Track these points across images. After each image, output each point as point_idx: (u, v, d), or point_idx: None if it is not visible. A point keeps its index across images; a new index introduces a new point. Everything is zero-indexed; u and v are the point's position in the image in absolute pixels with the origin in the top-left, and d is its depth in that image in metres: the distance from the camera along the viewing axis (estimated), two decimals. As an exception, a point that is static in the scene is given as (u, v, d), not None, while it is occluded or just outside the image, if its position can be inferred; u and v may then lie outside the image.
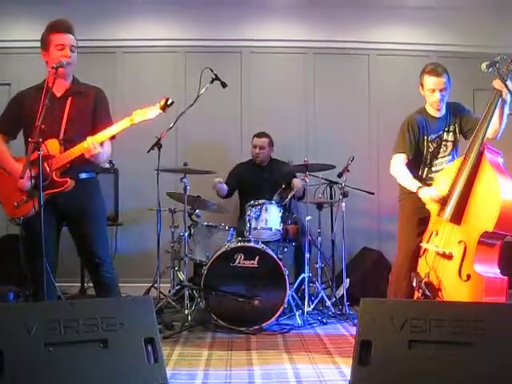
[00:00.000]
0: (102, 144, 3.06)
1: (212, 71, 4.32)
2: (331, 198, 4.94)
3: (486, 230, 2.95)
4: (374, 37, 5.65)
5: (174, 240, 4.74)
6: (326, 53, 5.70)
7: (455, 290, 3.01)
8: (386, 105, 5.57)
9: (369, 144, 5.64)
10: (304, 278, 4.38)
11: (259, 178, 5.06)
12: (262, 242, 4.21)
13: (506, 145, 3.41)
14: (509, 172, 3.09)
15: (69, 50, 3.10)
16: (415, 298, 3.24)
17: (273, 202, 4.43)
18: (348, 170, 4.65)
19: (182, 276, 4.67)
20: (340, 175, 4.70)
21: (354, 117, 5.66)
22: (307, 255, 4.37)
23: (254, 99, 5.62)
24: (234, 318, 3.96)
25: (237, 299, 3.95)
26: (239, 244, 4.13)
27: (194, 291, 4.34)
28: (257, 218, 4.31)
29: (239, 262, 4.04)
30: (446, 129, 3.55)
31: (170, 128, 4.23)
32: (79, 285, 4.96)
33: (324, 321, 4.20)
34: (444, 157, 3.56)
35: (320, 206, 4.88)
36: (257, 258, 4.04)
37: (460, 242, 3.05)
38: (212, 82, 4.34)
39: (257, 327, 3.94)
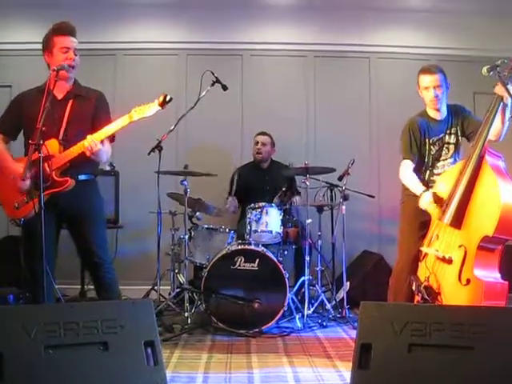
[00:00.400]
0: (102, 142, 3.06)
1: (213, 74, 4.33)
2: (332, 200, 4.94)
3: (486, 234, 2.94)
4: (374, 40, 5.66)
5: (174, 242, 4.74)
6: (327, 56, 5.71)
7: (455, 295, 3.01)
8: (387, 108, 5.58)
9: (369, 147, 5.65)
10: (304, 280, 4.38)
11: (260, 181, 5.07)
12: (263, 245, 4.22)
13: (507, 148, 3.41)
14: (510, 176, 3.09)
15: (73, 53, 3.12)
16: (415, 302, 3.24)
17: (273, 204, 4.44)
18: (348, 173, 4.65)
19: (182, 279, 4.66)
20: (340, 178, 4.70)
21: (355, 120, 5.67)
22: (307, 258, 4.36)
23: (255, 102, 5.62)
24: (233, 320, 3.95)
25: (237, 302, 3.95)
26: (239, 247, 4.13)
27: (194, 294, 4.34)
28: (257, 221, 4.31)
29: (239, 265, 4.04)
30: (448, 131, 3.56)
31: (171, 130, 4.23)
32: (79, 287, 4.96)
33: (324, 324, 4.20)
34: (446, 159, 3.56)
35: (320, 209, 4.88)
36: (257, 260, 4.04)
37: (460, 246, 3.05)
38: (213, 84, 4.34)
39: (257, 330, 3.94)
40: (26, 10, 5.36)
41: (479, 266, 2.97)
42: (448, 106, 3.58)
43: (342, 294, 4.55)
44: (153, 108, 3.07)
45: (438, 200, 3.19)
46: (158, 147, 4.20)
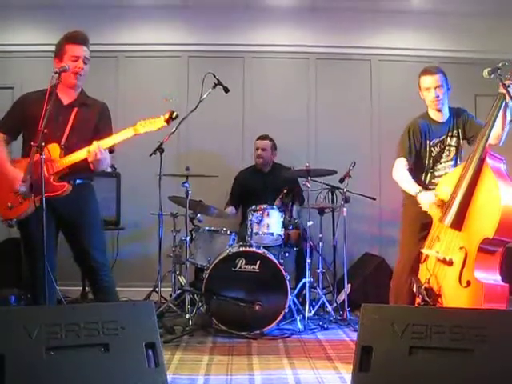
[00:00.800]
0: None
1: (214, 76, 4.33)
2: (333, 203, 4.94)
3: (486, 236, 2.94)
4: (376, 42, 5.66)
5: (175, 244, 4.75)
6: (329, 58, 5.70)
7: (455, 296, 3.00)
8: (388, 110, 5.58)
9: (371, 149, 5.64)
10: (305, 283, 4.38)
11: (262, 184, 5.06)
12: (264, 247, 4.22)
13: (508, 151, 3.41)
14: (511, 178, 3.09)
15: (82, 62, 3.14)
16: (416, 304, 3.24)
17: (274, 207, 4.44)
18: (350, 176, 4.65)
19: (183, 280, 4.66)
20: (342, 180, 4.70)
21: (356, 122, 5.67)
22: (308, 260, 4.36)
23: (256, 104, 5.63)
24: (234, 322, 3.96)
25: (238, 304, 3.95)
26: (241, 249, 4.13)
27: (195, 296, 4.34)
28: (258, 223, 4.32)
29: (240, 267, 4.05)
30: (449, 133, 3.56)
31: (172, 133, 4.23)
32: (80, 289, 4.96)
33: (325, 326, 4.20)
34: (447, 162, 3.56)
35: (321, 212, 4.87)
36: (258, 262, 4.05)
37: (461, 248, 3.05)
38: (214, 86, 4.35)
39: (258, 332, 3.94)
40: (28, 12, 5.37)
41: (480, 268, 2.97)
42: (450, 109, 3.59)
43: (343, 296, 4.55)
44: (159, 123, 3.08)
45: (442, 205, 3.19)
46: (160, 149, 4.21)
